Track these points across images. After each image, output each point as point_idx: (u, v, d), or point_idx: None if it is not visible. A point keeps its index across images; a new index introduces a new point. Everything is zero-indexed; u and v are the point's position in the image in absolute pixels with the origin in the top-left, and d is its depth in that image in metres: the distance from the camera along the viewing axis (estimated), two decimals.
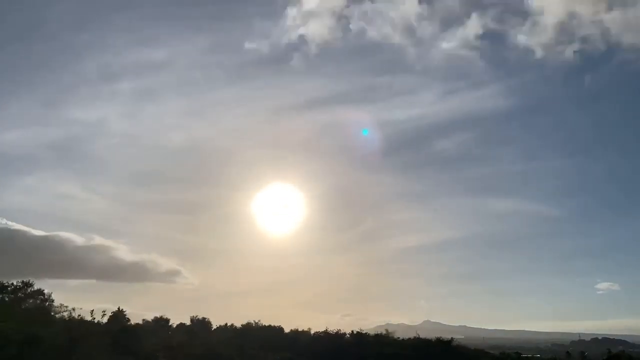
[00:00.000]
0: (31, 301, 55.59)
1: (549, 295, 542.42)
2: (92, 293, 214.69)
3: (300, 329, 73.85)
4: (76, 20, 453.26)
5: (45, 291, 57.89)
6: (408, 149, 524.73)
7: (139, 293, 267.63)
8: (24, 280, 56.38)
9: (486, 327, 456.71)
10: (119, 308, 63.93)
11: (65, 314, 54.27)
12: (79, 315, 53.75)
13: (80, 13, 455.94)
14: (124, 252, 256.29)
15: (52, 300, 56.87)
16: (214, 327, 77.60)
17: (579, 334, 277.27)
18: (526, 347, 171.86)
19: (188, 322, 76.91)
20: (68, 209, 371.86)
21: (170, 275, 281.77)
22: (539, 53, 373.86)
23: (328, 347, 64.86)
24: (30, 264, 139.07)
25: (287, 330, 74.66)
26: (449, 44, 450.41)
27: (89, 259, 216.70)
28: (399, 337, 74.68)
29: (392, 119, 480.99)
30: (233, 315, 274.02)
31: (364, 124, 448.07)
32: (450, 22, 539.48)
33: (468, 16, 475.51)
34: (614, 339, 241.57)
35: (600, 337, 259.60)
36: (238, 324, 75.65)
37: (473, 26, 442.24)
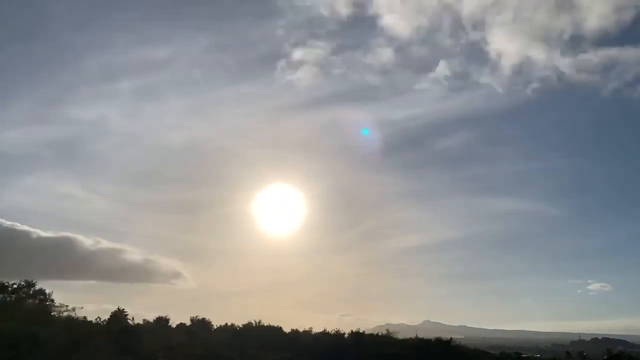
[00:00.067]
0: (32, 301, 55.60)
1: (549, 295, 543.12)
2: (92, 293, 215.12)
3: (300, 329, 73.94)
4: (77, 19, 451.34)
5: (47, 291, 58.05)
6: (408, 149, 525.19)
7: (139, 293, 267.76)
8: (26, 280, 56.43)
9: (486, 327, 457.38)
10: (119, 308, 64.15)
11: (66, 314, 54.47)
12: (80, 315, 54.01)
13: (81, 12, 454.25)
14: (124, 252, 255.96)
15: (53, 301, 57.00)
16: (214, 327, 77.53)
17: (579, 334, 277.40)
18: (526, 347, 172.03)
19: (188, 322, 76.89)
20: (68, 209, 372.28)
21: (171, 276, 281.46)
22: (500, 90, 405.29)
23: (328, 347, 64.94)
24: (30, 264, 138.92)
25: (287, 330, 74.65)
26: (421, 85, 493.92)
27: (89, 259, 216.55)
28: (399, 337, 74.81)
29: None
30: (233, 315, 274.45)
31: (364, 123, 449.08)
32: (421, 68, 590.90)
33: (437, 63, 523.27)
34: (614, 339, 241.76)
35: (600, 337, 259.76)
36: (238, 324, 75.66)
37: (442, 70, 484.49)
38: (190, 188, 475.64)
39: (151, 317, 73.54)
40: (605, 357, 73.57)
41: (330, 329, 72.51)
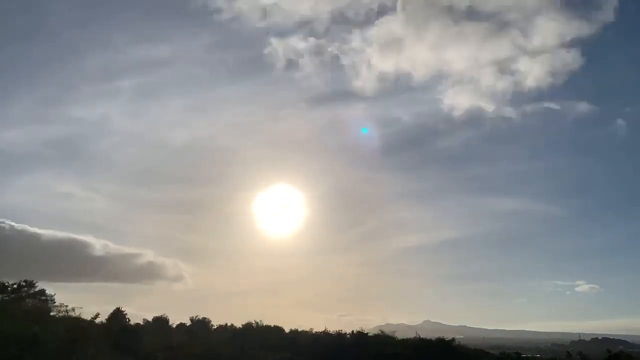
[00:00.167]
0: (31, 301, 55.52)
1: (549, 295, 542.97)
2: (92, 294, 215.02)
3: (300, 329, 73.92)
4: (77, 17, 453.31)
5: (47, 291, 57.98)
6: (409, 148, 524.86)
7: (139, 293, 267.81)
8: (26, 279, 56.32)
9: (486, 327, 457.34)
10: (118, 308, 64.09)
11: (66, 314, 54.34)
12: (80, 315, 53.88)
13: (82, 11, 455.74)
14: (124, 252, 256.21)
15: (54, 301, 56.93)
16: (214, 327, 77.50)
17: (579, 334, 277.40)
18: (526, 347, 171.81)
19: (188, 322, 76.86)
20: (69, 208, 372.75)
21: (171, 275, 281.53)
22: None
23: (328, 347, 64.83)
24: (30, 265, 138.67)
25: (287, 330, 74.63)
26: None
27: (90, 260, 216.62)
28: (398, 337, 74.66)
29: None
30: (233, 315, 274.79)
31: (365, 122, 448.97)
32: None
33: None
34: (614, 339, 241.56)
35: (600, 337, 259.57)
36: (238, 324, 75.63)
37: None
38: (191, 187, 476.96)
39: (151, 317, 73.59)
40: (605, 357, 73.34)
41: (331, 329, 72.49)
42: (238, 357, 55.79)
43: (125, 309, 64.92)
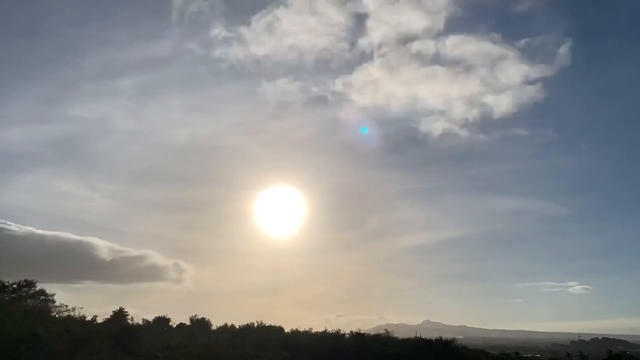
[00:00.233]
0: (32, 301, 55.58)
1: (549, 295, 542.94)
2: (92, 294, 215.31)
3: (300, 329, 74.02)
4: (78, 15, 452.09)
5: (47, 291, 58.06)
6: (410, 147, 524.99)
7: (139, 293, 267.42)
8: (26, 280, 56.38)
9: (486, 327, 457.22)
10: (121, 308, 64.18)
11: (66, 314, 54.45)
12: (80, 315, 53.97)
13: (82, 8, 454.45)
14: (125, 252, 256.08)
15: (54, 301, 57.03)
16: (214, 327, 77.66)
17: (579, 334, 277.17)
18: (526, 347, 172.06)
19: (188, 322, 77.02)
20: (69, 207, 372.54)
21: (171, 275, 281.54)
22: None
23: (328, 347, 64.88)
24: (30, 265, 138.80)
25: (287, 330, 74.76)
26: None
27: (90, 260, 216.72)
28: (398, 337, 74.78)
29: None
30: (233, 315, 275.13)
31: (365, 122, 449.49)
32: None
33: None
34: (614, 339, 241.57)
35: (600, 337, 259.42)
36: (238, 324, 75.76)
37: None
38: (191, 186, 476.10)
39: (151, 317, 73.76)
40: (605, 357, 73.32)
41: (331, 329, 72.66)
42: (238, 357, 55.84)
43: (125, 308, 65.09)
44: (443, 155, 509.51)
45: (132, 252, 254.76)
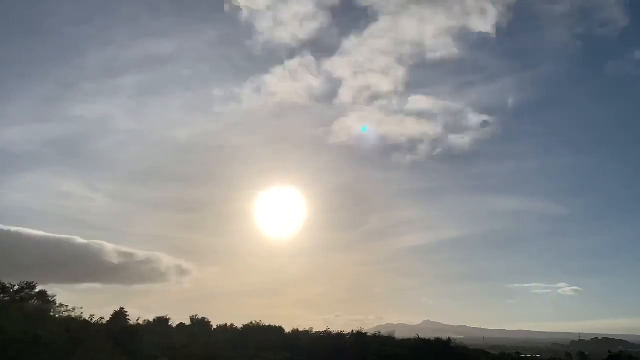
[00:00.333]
0: (32, 302, 55.62)
1: (549, 295, 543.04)
2: (92, 294, 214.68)
3: (300, 329, 74.03)
4: (79, 13, 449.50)
5: (48, 292, 58.09)
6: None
7: (139, 293, 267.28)
8: (27, 281, 56.45)
9: (486, 327, 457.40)
10: (122, 308, 64.17)
11: (66, 314, 54.50)
12: (80, 315, 54.02)
13: (83, 5, 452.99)
14: (125, 252, 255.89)
15: (54, 302, 57.05)
16: (214, 327, 77.60)
17: (579, 334, 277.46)
18: (526, 347, 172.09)
19: (188, 322, 76.96)
20: (70, 207, 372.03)
21: (172, 275, 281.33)
22: None
23: (328, 347, 64.92)
24: (31, 266, 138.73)
25: (287, 330, 74.76)
26: None
27: (90, 260, 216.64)
28: (398, 337, 74.80)
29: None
30: (233, 315, 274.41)
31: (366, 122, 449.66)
32: None
33: None
34: (614, 339, 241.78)
35: (600, 337, 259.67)
36: (238, 324, 75.72)
37: None
38: (192, 186, 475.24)
39: (152, 317, 73.68)
40: (605, 357, 73.46)
41: (331, 328, 72.66)
42: (238, 357, 55.88)
43: (125, 308, 65.08)
44: (443, 155, 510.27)
45: (133, 252, 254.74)
